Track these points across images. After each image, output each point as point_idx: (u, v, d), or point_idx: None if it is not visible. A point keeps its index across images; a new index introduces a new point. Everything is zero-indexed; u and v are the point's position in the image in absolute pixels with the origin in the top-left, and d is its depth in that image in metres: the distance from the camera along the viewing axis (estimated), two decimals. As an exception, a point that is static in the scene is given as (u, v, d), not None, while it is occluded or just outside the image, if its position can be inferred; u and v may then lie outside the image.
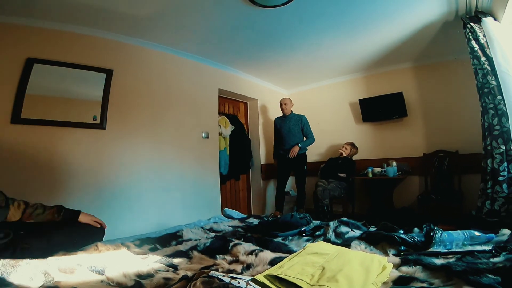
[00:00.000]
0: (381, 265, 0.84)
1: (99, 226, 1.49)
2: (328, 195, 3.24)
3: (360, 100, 3.96)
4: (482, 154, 2.30)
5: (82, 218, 1.44)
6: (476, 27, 2.28)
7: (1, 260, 0.93)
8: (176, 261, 1.10)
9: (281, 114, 3.81)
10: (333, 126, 4.33)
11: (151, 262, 1.07)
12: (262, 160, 4.22)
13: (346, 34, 2.85)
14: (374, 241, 1.16)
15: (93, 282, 0.86)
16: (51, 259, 0.99)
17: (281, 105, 3.71)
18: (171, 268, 1.01)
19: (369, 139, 3.96)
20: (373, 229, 1.37)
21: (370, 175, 3.34)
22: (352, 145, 3.74)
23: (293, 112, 3.77)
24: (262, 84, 4.37)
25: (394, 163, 3.28)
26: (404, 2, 2.29)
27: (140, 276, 0.92)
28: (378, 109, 3.81)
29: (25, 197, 1.97)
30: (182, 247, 1.27)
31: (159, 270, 0.97)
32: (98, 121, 2.45)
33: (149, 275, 0.92)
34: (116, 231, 1.85)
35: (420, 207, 3.03)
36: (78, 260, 1.00)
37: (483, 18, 2.20)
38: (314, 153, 4.45)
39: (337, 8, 2.35)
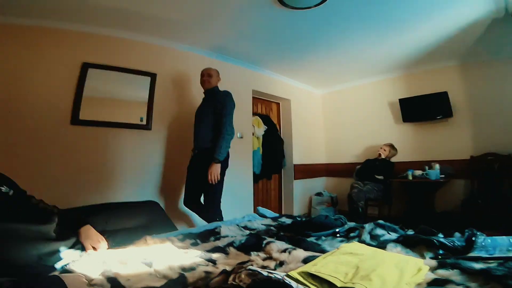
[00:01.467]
0: (417, 266, 0.84)
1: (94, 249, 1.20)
2: (364, 197, 3.16)
3: (401, 100, 3.79)
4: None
5: (83, 233, 1.21)
6: None
7: (68, 250, 1.09)
8: (214, 256, 1.16)
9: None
10: (370, 126, 4.20)
11: (193, 256, 1.13)
12: (295, 161, 4.22)
13: (384, 34, 2.77)
14: (411, 244, 1.13)
15: (143, 274, 0.94)
16: (109, 251, 1.13)
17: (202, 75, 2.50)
18: (210, 263, 1.07)
19: (410, 140, 3.78)
20: (410, 232, 1.33)
21: (410, 177, 3.19)
22: (391, 146, 3.60)
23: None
24: (294, 84, 4.38)
25: (437, 166, 3.10)
26: (443, 1, 2.18)
27: (183, 269, 0.98)
28: (420, 109, 3.61)
29: (84, 193, 2.26)
30: (220, 243, 1.32)
31: (200, 264, 1.03)
32: (144, 122, 2.66)
33: (191, 268, 0.98)
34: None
35: (464, 212, 2.83)
36: (130, 252, 1.12)
37: None
38: (350, 154, 4.36)
39: (370, 9, 2.31)
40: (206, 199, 2.33)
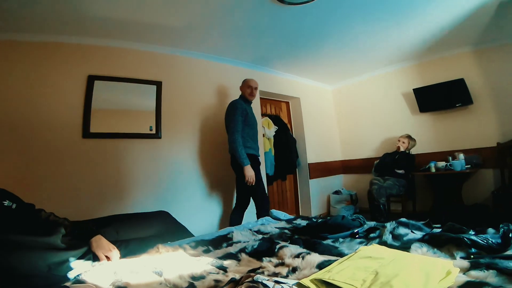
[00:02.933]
0: (445, 269, 0.74)
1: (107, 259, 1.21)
2: (385, 193, 3.01)
3: (415, 90, 3.61)
4: None
5: (94, 243, 1.22)
6: None
7: (81, 260, 1.09)
8: (226, 263, 1.14)
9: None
10: (386, 119, 4.04)
11: (204, 264, 1.12)
12: (309, 159, 4.12)
13: (391, 21, 2.64)
14: (439, 244, 1.03)
15: (153, 283, 0.93)
16: (120, 261, 1.12)
17: (252, 88, 2.65)
18: (221, 270, 1.04)
19: (429, 130, 3.59)
20: (437, 230, 1.22)
21: (433, 170, 3.00)
22: (409, 137, 3.43)
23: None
24: (303, 81, 4.29)
25: (462, 156, 2.91)
26: None
27: (193, 277, 0.97)
28: (437, 98, 3.43)
29: (100, 205, 2.28)
30: (232, 249, 1.30)
31: (210, 272, 1.01)
32: (154, 131, 2.66)
33: (201, 277, 0.96)
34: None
35: (496, 204, 2.63)
36: (142, 261, 1.11)
37: None
38: (367, 149, 4.21)
39: None
40: (255, 202, 2.51)
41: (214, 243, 1.44)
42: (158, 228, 1.89)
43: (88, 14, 2.10)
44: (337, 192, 4.22)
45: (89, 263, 1.13)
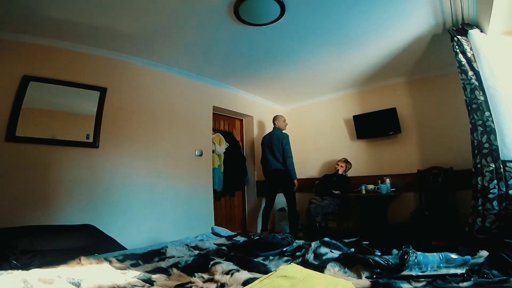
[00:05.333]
0: (344, 290, 0.83)
1: None
2: (321, 212, 3.21)
3: (354, 116, 3.97)
4: (472, 172, 2.27)
5: None
6: (463, 40, 2.25)
7: None
8: (154, 277, 1.11)
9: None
10: (328, 142, 4.33)
11: (129, 277, 1.08)
12: (258, 177, 4.21)
13: (338, 50, 2.89)
14: (350, 263, 1.14)
15: None
16: (33, 270, 1.03)
17: (282, 120, 3.78)
18: (147, 284, 1.02)
19: (364, 155, 3.95)
20: (352, 250, 1.34)
21: (364, 192, 3.31)
22: (346, 161, 3.75)
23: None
24: (257, 100, 4.43)
25: (388, 180, 3.26)
26: (394, 15, 2.29)
27: None
28: (372, 126, 3.81)
29: (18, 214, 2.03)
30: (164, 264, 1.28)
31: (134, 285, 0.98)
32: (91, 140, 2.49)
33: None
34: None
35: (414, 223, 2.98)
36: (59, 272, 1.03)
37: (469, 31, 2.18)
38: (309, 170, 4.43)
39: (328, 23, 2.37)
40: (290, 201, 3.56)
41: (145, 257, 1.41)
42: (82, 240, 1.79)
43: (31, 11, 1.96)
44: (281, 210, 4.35)
45: None
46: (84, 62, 2.55)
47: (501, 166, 2.04)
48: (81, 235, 1.87)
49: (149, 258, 1.40)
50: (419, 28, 2.50)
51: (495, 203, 2.03)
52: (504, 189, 2.02)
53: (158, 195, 2.88)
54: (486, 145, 2.12)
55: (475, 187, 2.21)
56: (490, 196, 2.05)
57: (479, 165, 2.18)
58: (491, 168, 2.08)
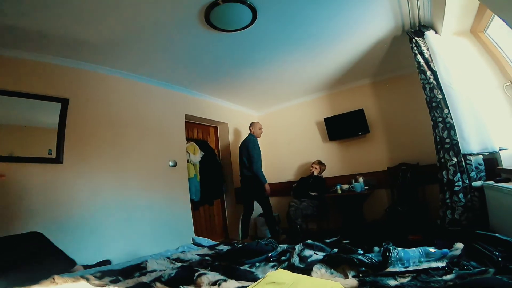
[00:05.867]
0: (334, 291, 0.83)
1: None
2: (301, 215, 3.24)
3: (325, 119, 4.09)
4: (437, 166, 2.42)
5: None
6: (420, 41, 2.39)
7: None
8: None
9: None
10: (302, 145, 4.41)
11: None
12: (236, 184, 4.16)
13: (306, 54, 2.95)
14: (335, 264, 1.15)
15: None
16: None
17: (258, 128, 3.72)
18: None
19: (337, 156, 4.07)
20: (335, 250, 1.36)
21: (339, 191, 3.40)
22: (320, 163, 3.84)
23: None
24: (231, 107, 4.41)
25: (361, 179, 3.37)
26: (355, 17, 2.37)
27: None
28: (342, 127, 3.95)
29: None
30: (146, 279, 1.24)
31: None
32: (54, 155, 2.31)
33: None
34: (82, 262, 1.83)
35: (389, 220, 3.10)
36: None
37: (426, 32, 2.32)
38: (286, 173, 4.48)
39: (293, 26, 2.39)
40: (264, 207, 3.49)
41: (124, 273, 1.35)
42: (30, 250, 1.66)
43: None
44: (262, 215, 4.33)
45: None
46: (41, 72, 2.37)
47: (462, 159, 2.19)
48: (23, 244, 1.73)
49: (129, 273, 1.35)
50: (381, 30, 2.62)
51: (461, 195, 2.17)
52: (467, 181, 2.16)
53: (132, 209, 2.72)
54: (447, 140, 2.27)
55: (441, 181, 2.35)
56: (456, 189, 2.19)
57: (442, 160, 2.33)
58: (453, 162, 2.22)
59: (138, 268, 1.43)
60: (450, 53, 2.21)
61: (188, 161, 3.51)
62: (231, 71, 3.20)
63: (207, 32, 2.30)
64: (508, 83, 2.01)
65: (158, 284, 1.14)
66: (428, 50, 2.35)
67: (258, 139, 3.67)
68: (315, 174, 3.74)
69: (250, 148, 3.44)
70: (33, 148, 2.22)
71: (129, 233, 2.66)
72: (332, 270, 1.11)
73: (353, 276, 1.04)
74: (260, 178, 3.38)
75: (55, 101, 2.36)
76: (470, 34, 2.27)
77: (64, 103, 2.40)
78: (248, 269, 1.29)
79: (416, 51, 2.44)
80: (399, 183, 3.36)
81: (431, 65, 2.33)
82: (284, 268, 1.18)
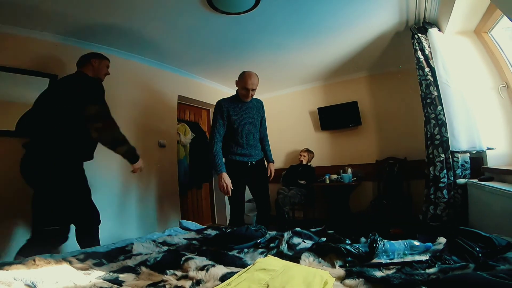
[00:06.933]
0: (323, 280, 0.84)
1: None
2: (289, 202, 3.28)
3: (319, 109, 4.10)
4: (425, 162, 2.47)
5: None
6: (422, 37, 2.39)
7: None
8: (122, 276, 1.04)
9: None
10: (294, 133, 4.43)
11: (94, 277, 1.01)
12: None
13: (306, 43, 2.91)
14: (323, 253, 1.16)
15: None
16: None
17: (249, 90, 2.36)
18: (115, 285, 0.95)
19: (327, 146, 4.11)
20: (323, 239, 1.38)
21: (328, 181, 3.45)
22: (308, 151, 3.88)
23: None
24: (225, 90, 4.32)
25: (350, 170, 3.42)
26: (361, 11, 2.35)
27: None
28: (335, 118, 3.98)
29: None
30: (131, 262, 1.21)
31: (101, 287, 0.92)
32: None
33: None
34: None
35: (374, 212, 3.18)
36: (15, 274, 0.93)
37: (429, 29, 2.32)
38: (277, 160, 4.47)
39: (297, 17, 2.37)
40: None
41: (109, 256, 1.31)
42: None
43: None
44: (250, 201, 4.36)
45: None
46: (29, 47, 2.26)
47: (450, 156, 2.25)
48: None
49: (113, 256, 1.31)
50: (384, 25, 2.60)
51: (445, 191, 2.24)
52: (452, 178, 2.23)
53: (117, 189, 2.68)
54: (438, 136, 2.31)
55: (427, 177, 2.42)
56: (441, 185, 2.25)
57: (431, 156, 2.38)
58: (441, 158, 2.28)
59: (123, 251, 1.39)
60: (451, 52, 2.22)
61: (178, 142, 3.45)
62: (228, 55, 3.12)
63: (207, 13, 2.21)
64: (504, 85, 2.04)
65: (143, 268, 1.12)
66: (429, 47, 2.35)
67: None
68: (304, 162, 3.77)
69: None
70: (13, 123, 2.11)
71: (114, 216, 2.62)
72: (320, 259, 1.13)
73: (340, 266, 1.06)
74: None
75: (43, 77, 2.25)
76: (473, 34, 2.27)
77: (53, 78, 2.28)
78: (237, 254, 1.29)
79: (417, 47, 2.44)
80: (385, 176, 3.43)
81: (431, 62, 2.34)
82: (273, 255, 1.18)
